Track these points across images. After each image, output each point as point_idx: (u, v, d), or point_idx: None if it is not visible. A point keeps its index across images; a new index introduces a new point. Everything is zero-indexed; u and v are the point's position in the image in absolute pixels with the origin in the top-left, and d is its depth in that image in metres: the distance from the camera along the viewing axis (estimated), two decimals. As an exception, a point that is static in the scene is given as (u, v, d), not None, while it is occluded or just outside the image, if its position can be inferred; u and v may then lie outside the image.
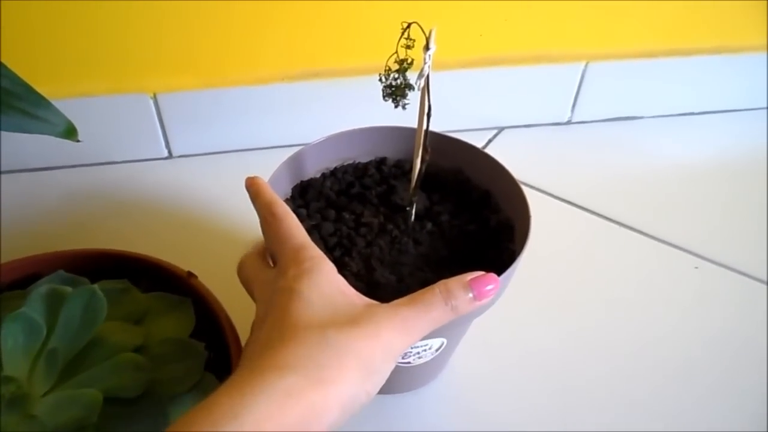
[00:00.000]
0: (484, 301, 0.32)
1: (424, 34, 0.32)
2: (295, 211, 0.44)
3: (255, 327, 0.31)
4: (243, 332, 0.40)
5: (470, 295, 0.31)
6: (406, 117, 0.40)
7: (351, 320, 0.29)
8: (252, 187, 0.36)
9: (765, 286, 0.58)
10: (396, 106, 0.35)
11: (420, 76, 0.34)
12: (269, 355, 0.28)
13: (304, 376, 0.27)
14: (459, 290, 0.31)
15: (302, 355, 0.27)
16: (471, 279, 0.32)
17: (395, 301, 0.31)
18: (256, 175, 0.37)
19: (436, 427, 0.47)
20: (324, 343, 0.28)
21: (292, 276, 0.31)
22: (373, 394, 0.30)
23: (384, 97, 0.35)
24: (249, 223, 0.62)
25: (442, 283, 0.31)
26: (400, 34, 0.32)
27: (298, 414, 0.26)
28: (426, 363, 0.43)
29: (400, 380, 0.47)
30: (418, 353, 0.41)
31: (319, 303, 0.30)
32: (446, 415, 0.47)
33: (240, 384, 0.26)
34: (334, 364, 0.28)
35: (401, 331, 0.30)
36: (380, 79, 0.34)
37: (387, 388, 0.48)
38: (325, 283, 0.31)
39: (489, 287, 0.31)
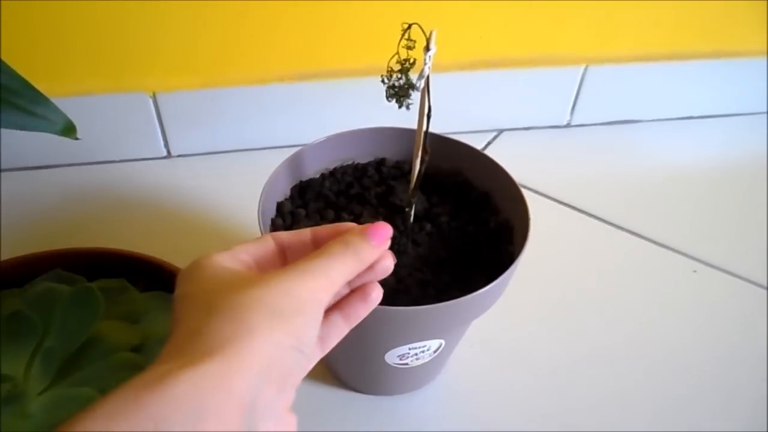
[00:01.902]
0: (384, 245, 0.29)
1: (425, 36, 0.32)
2: (293, 212, 0.44)
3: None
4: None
5: (372, 242, 0.29)
6: (405, 118, 0.40)
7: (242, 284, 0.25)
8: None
9: (763, 290, 0.58)
10: (400, 107, 0.35)
11: (420, 77, 0.34)
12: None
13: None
14: (357, 239, 0.28)
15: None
16: (365, 228, 0.29)
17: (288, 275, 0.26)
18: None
19: (434, 429, 0.47)
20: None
21: None
22: (304, 349, 0.25)
23: (387, 97, 0.35)
24: (246, 222, 0.62)
25: (336, 241, 0.29)
26: (400, 36, 0.32)
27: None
28: (424, 364, 0.43)
29: (398, 381, 0.47)
30: (417, 355, 0.41)
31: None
32: (444, 417, 0.47)
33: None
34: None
35: (304, 309, 0.25)
36: (383, 81, 0.34)
37: (385, 390, 0.48)
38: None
39: (385, 232, 0.29)
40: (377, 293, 0.31)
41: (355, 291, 0.30)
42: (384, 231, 0.30)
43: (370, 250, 0.29)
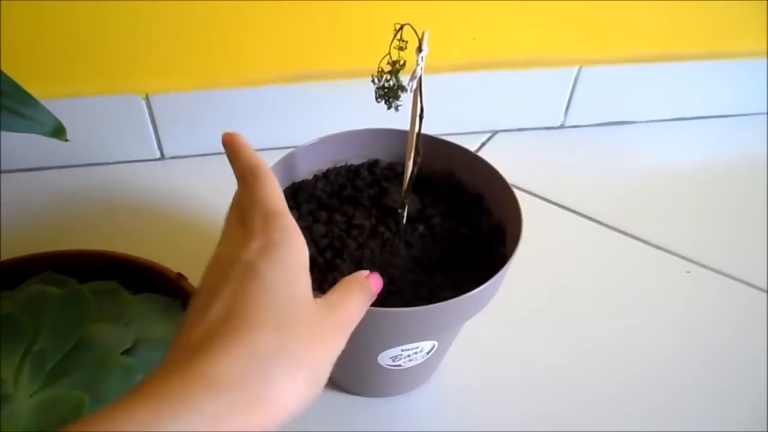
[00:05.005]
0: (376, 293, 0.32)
1: (417, 36, 0.32)
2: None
3: (201, 297, 0.27)
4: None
5: (372, 288, 0.32)
6: (398, 119, 0.40)
7: (308, 329, 0.26)
8: (231, 145, 0.32)
9: (754, 290, 0.58)
10: (389, 108, 0.35)
11: (412, 78, 0.34)
12: (206, 358, 0.23)
13: (244, 394, 0.23)
14: (366, 283, 0.31)
15: (247, 367, 0.23)
16: (367, 276, 0.32)
17: (328, 298, 0.29)
18: (235, 132, 0.33)
19: (428, 430, 0.47)
20: (278, 352, 0.24)
21: (257, 249, 0.27)
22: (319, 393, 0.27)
23: (377, 98, 0.35)
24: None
25: (353, 278, 0.31)
26: (392, 36, 0.32)
27: None
28: (417, 366, 0.43)
29: (391, 383, 0.47)
30: (409, 356, 0.41)
31: (279, 292, 0.26)
32: (438, 418, 0.47)
33: (160, 395, 0.22)
34: (283, 379, 0.24)
35: (342, 330, 0.28)
36: (373, 81, 0.34)
37: (378, 391, 0.48)
38: (291, 265, 0.28)
39: (379, 281, 0.32)
40: None
41: None
42: (379, 280, 0.32)
43: (372, 295, 0.32)
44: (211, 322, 0.25)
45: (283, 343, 0.25)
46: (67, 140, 0.36)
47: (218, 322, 0.25)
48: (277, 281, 0.26)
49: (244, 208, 0.30)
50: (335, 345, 0.27)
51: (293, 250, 0.28)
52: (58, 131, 0.36)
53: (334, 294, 0.29)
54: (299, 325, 0.26)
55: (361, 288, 0.31)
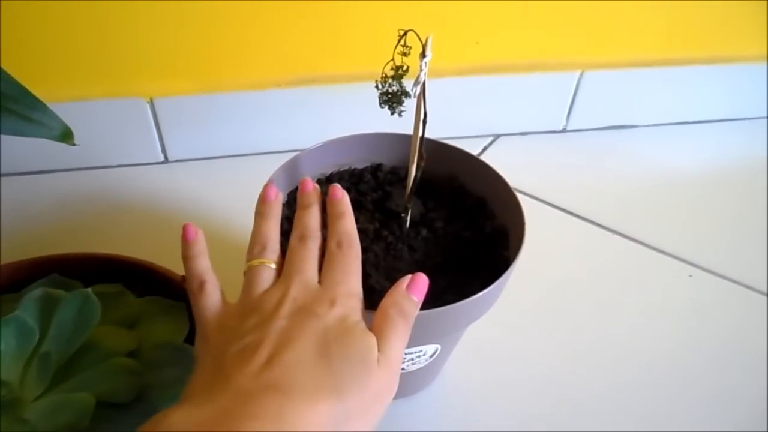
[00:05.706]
0: (422, 297, 0.33)
1: (421, 42, 0.32)
2: (290, 217, 0.44)
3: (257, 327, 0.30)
4: (237, 337, 0.40)
5: (414, 299, 0.33)
6: (402, 124, 0.40)
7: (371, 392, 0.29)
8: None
9: (757, 294, 0.58)
10: (392, 113, 0.35)
11: (416, 83, 0.34)
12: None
13: None
14: (406, 301, 0.32)
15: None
16: (407, 286, 0.33)
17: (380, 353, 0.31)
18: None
19: (430, 434, 0.47)
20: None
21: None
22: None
23: (380, 104, 0.35)
24: (243, 227, 0.62)
25: (391, 303, 0.32)
26: (396, 42, 0.32)
27: None
28: (420, 369, 0.43)
29: (394, 386, 0.47)
30: (413, 359, 0.41)
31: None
32: (440, 421, 0.47)
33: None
34: None
35: (396, 377, 0.31)
36: (377, 86, 0.35)
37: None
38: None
39: (423, 284, 0.33)
40: None
41: None
42: (422, 284, 0.33)
43: (414, 308, 0.33)
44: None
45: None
46: (75, 144, 0.36)
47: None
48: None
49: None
50: (392, 395, 0.30)
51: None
52: (66, 135, 0.36)
53: (381, 340, 0.31)
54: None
55: (403, 316, 0.32)
